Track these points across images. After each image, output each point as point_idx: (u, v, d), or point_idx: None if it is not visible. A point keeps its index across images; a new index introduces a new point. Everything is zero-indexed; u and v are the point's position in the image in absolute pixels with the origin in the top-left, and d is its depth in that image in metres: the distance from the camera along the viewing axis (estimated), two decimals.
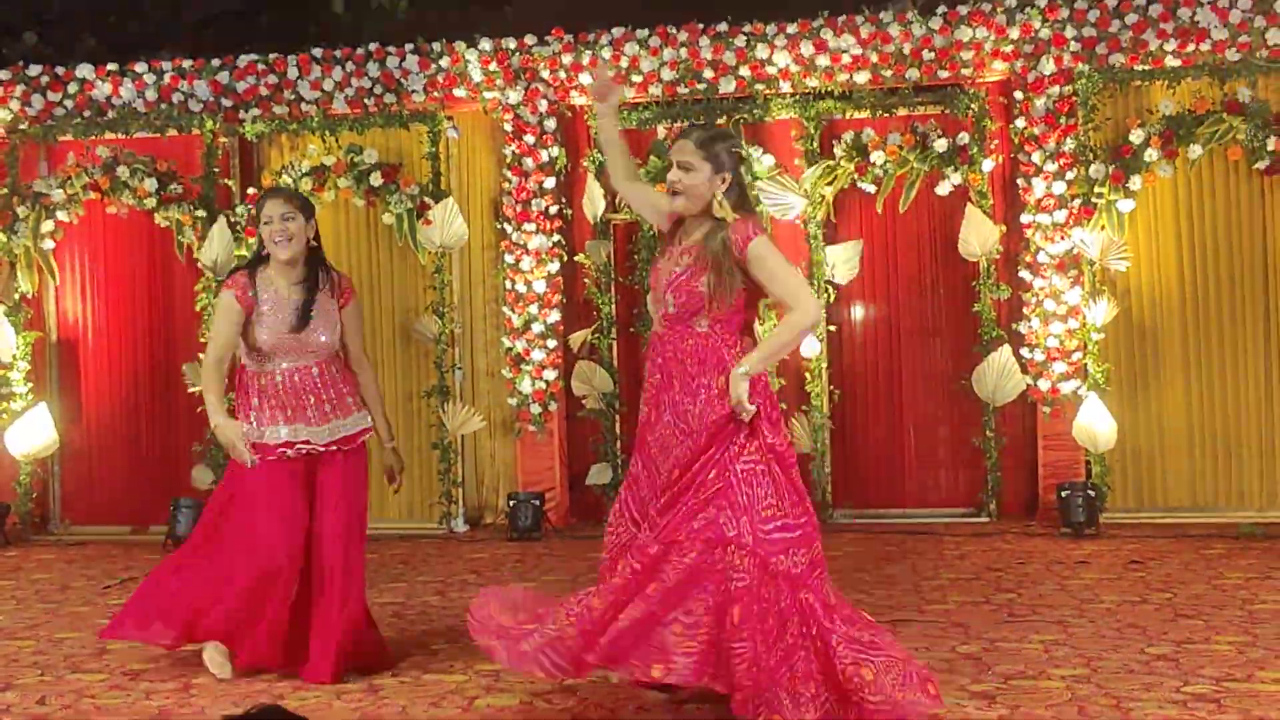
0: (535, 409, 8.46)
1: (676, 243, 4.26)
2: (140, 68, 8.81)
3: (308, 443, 4.89)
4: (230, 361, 5.02)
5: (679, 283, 4.13)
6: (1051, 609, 5.66)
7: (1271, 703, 4.10)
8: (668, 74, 8.31)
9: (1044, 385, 7.99)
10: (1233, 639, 5.01)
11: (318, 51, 8.67)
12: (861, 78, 8.19)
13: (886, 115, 8.35)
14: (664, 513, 4.03)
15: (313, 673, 4.84)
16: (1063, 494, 7.68)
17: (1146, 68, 7.93)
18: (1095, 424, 7.80)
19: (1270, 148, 7.66)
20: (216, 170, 8.75)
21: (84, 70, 8.84)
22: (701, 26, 8.29)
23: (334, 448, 4.94)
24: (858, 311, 8.57)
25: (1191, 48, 7.80)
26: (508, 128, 8.52)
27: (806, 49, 8.15)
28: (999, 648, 5.00)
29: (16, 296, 8.90)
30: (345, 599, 4.85)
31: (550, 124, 8.46)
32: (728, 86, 8.29)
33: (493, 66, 8.50)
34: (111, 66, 8.85)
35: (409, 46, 8.60)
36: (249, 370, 4.99)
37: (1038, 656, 4.84)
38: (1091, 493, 7.65)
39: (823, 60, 8.15)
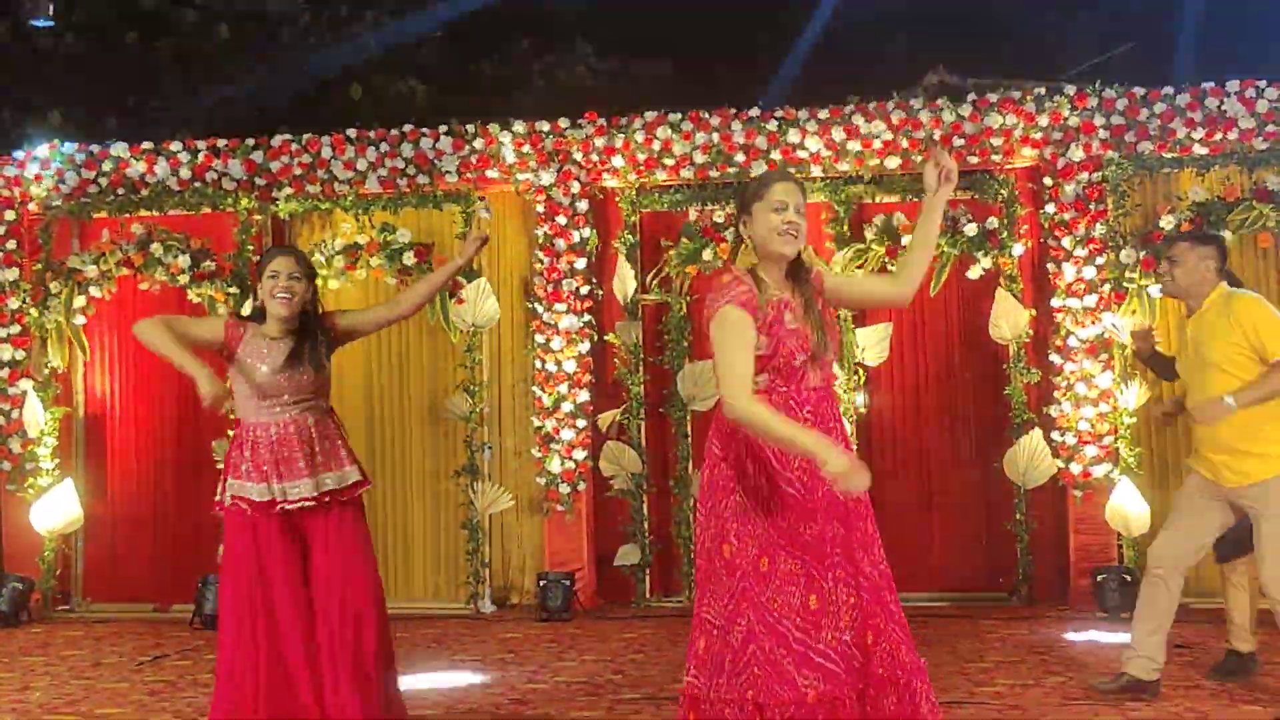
0: (564, 488, 8.38)
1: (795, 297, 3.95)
2: (175, 146, 8.83)
3: (291, 500, 4.69)
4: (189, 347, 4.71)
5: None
6: (1104, 692, 5.58)
7: None
8: (700, 157, 8.35)
9: (1075, 469, 7.95)
10: None
11: (352, 132, 8.71)
12: (892, 163, 8.23)
13: (917, 199, 8.36)
14: None
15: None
16: (1098, 577, 7.62)
17: (1175, 155, 7.99)
18: (1128, 507, 7.75)
19: None
20: (250, 247, 8.71)
21: (118, 149, 8.87)
22: (734, 111, 8.35)
23: (326, 499, 4.75)
24: (888, 394, 8.52)
25: (1219, 136, 7.87)
26: (540, 209, 8.53)
27: (838, 134, 8.20)
28: None
29: (46, 371, 8.84)
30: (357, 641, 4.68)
31: (582, 205, 8.48)
32: (759, 170, 8.28)
33: (526, 148, 8.54)
34: (146, 145, 8.88)
35: (443, 128, 8.64)
36: (243, 423, 4.80)
37: None
38: (1127, 576, 7.58)
39: (854, 145, 8.21)
